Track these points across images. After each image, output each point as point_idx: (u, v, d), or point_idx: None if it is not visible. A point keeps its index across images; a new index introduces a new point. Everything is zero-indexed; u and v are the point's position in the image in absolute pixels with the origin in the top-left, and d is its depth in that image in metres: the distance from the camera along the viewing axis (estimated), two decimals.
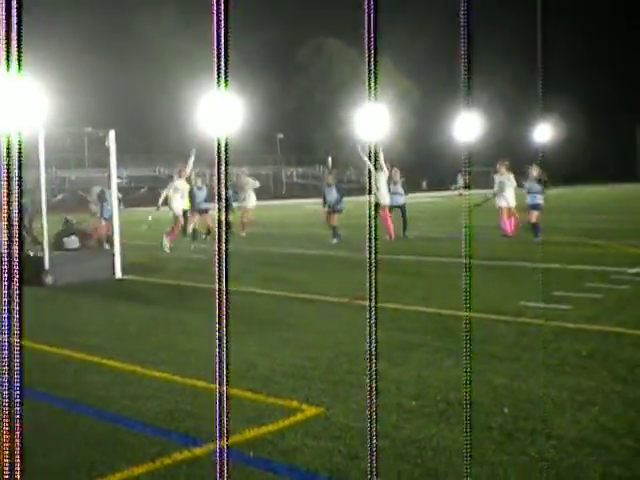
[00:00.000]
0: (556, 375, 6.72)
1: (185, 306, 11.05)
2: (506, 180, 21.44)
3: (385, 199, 21.14)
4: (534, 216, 20.09)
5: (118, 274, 14.34)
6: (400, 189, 22.02)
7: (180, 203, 20.91)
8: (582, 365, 7.03)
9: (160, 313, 10.46)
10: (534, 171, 20.64)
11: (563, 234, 21.20)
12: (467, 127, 63.78)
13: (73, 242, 14.65)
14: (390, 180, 21.77)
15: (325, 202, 21.22)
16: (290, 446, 5.22)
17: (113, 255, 14.47)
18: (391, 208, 21.65)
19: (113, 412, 6.11)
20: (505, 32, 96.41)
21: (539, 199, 20.30)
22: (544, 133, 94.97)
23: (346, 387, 6.51)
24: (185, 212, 21.36)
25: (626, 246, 17.59)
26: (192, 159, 20.79)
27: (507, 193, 21.32)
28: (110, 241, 15.63)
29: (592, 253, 16.48)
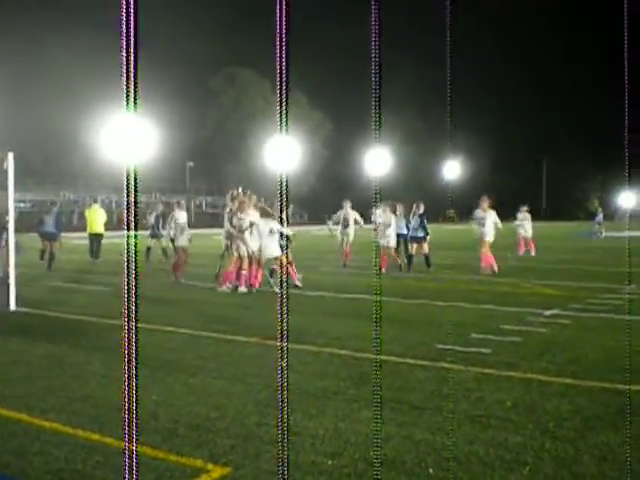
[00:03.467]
0: (482, 429, 6.27)
1: (83, 344, 10.24)
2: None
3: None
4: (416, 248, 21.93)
5: (12, 306, 13.42)
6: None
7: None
8: (508, 417, 6.61)
9: (55, 352, 9.62)
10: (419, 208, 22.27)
11: (474, 272, 21.05)
12: (378, 162, 64.07)
13: None
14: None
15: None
16: None
17: (8, 285, 13.54)
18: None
19: None
20: (414, 70, 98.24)
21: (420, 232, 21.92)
22: (452, 169, 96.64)
23: (256, 442, 5.92)
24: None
25: (539, 286, 17.48)
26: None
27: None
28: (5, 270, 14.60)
29: (505, 293, 16.28)
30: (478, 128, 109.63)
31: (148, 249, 25.95)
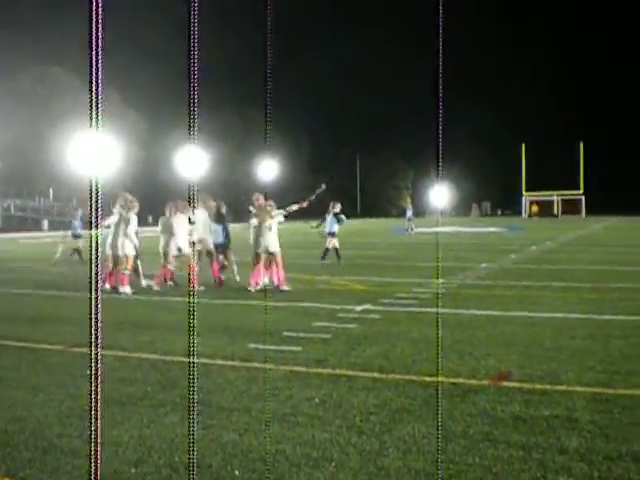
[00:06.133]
0: (289, 427, 6.27)
1: None
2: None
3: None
4: (332, 242, 24.58)
5: None
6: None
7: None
8: (315, 414, 6.65)
9: None
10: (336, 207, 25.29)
11: (290, 270, 21.20)
12: (192, 162, 63.52)
13: None
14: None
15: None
16: None
17: None
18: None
19: None
20: (231, 73, 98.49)
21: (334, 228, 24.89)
22: (269, 168, 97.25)
23: (56, 454, 5.67)
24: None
25: (352, 282, 17.81)
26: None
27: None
28: None
29: (318, 290, 16.48)
30: (295, 126, 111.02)
31: (77, 250, 26.71)
